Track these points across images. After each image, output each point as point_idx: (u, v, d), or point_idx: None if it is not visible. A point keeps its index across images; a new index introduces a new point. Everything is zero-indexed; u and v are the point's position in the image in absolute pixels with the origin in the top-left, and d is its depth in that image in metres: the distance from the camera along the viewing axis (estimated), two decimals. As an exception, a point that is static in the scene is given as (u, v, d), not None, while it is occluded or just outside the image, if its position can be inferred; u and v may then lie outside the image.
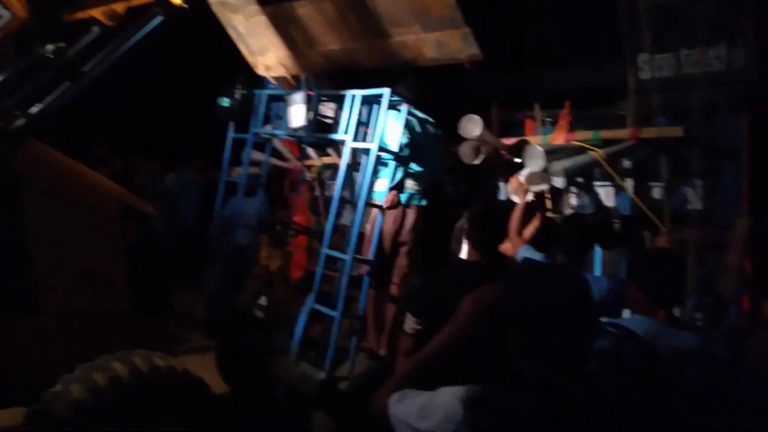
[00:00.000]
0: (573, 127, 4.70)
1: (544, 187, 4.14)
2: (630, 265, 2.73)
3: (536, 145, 4.53)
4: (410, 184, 4.66)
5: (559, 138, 4.67)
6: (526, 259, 3.38)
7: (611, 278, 3.50)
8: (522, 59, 4.80)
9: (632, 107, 4.32)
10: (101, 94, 4.30)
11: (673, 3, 3.91)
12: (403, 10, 4.44)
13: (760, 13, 3.75)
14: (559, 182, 4.31)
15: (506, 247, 3.71)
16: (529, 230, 3.83)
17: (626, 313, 2.68)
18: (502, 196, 5.07)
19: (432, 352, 1.67)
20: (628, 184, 4.57)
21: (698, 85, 3.89)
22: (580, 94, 4.64)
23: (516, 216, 3.86)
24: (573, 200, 4.84)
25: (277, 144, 6.20)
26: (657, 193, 4.46)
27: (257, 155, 5.64)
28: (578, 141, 4.46)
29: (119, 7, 3.74)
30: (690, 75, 4.01)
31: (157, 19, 3.75)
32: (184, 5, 3.63)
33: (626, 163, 4.47)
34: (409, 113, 4.43)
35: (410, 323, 2.78)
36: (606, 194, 4.79)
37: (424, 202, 4.74)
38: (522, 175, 4.11)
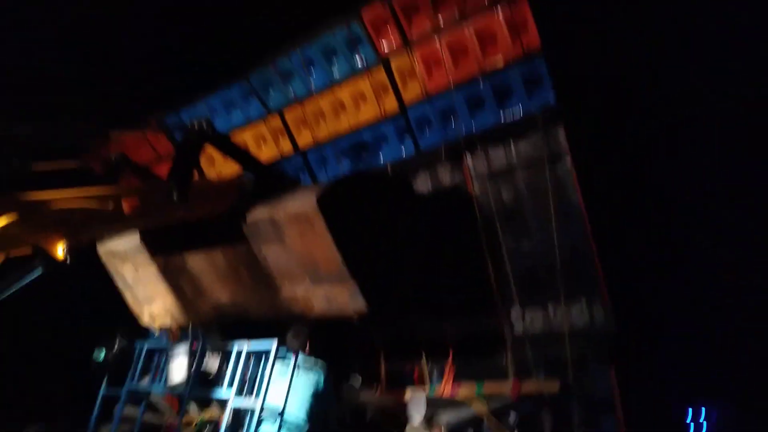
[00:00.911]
0: (458, 377, 4.80)
1: None
2: None
3: (420, 394, 4.58)
4: None
5: (446, 389, 4.73)
6: None
7: None
8: (406, 312, 5.01)
9: (510, 360, 4.54)
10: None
11: (534, 265, 4.37)
12: (293, 265, 4.64)
13: (609, 273, 4.25)
14: None
15: None
16: None
17: None
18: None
19: None
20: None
21: (566, 339, 4.20)
22: (463, 345, 4.84)
23: None
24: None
25: (154, 397, 5.77)
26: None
27: (131, 411, 5.18)
28: (462, 396, 4.54)
29: (-4, 257, 3.64)
30: (558, 329, 4.33)
31: (36, 273, 3.66)
32: (67, 261, 3.58)
33: (512, 417, 4.53)
34: (300, 364, 4.37)
35: None
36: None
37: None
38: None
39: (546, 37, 4.00)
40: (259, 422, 4.08)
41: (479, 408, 4.40)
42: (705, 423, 9.89)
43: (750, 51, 4.96)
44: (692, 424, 9.97)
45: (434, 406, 4.30)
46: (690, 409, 9.93)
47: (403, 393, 4.91)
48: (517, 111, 4.27)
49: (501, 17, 4.01)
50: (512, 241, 4.49)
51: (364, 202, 4.46)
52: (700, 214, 5.96)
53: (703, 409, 9.99)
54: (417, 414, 4.40)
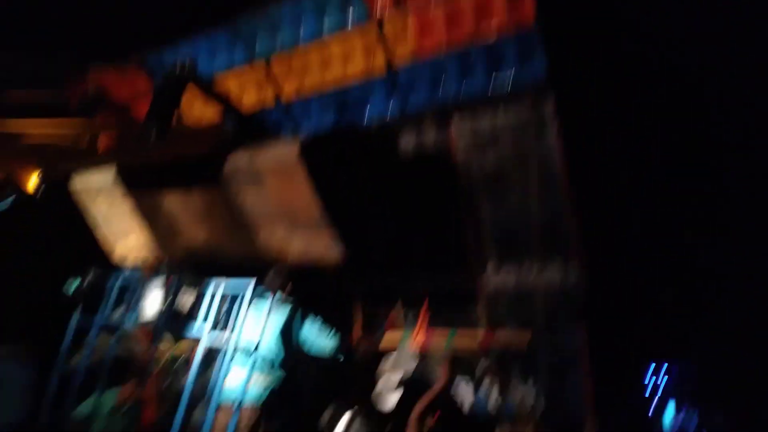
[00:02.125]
0: (432, 324, 4.88)
1: None
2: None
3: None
4: (265, 378, 4.38)
5: (419, 336, 4.81)
6: None
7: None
8: (382, 262, 5.03)
9: (483, 313, 4.62)
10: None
11: (512, 226, 4.40)
12: (271, 211, 4.60)
13: (585, 236, 4.31)
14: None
15: None
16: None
17: None
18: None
19: None
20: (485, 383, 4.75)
21: (538, 296, 4.27)
22: (437, 297, 4.90)
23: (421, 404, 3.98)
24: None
25: (127, 331, 5.77)
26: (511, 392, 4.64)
27: (103, 342, 5.18)
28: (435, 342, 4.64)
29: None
30: (531, 286, 4.40)
31: (7, 202, 3.57)
32: (38, 195, 3.49)
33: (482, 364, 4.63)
34: (277, 303, 4.38)
35: None
36: (465, 394, 4.90)
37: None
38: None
39: (541, 8, 3.98)
40: (233, 358, 4.10)
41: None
42: (665, 377, 10.31)
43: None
44: (653, 378, 10.40)
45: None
46: (652, 365, 10.35)
47: (378, 339, 4.99)
48: (506, 80, 4.27)
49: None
50: (492, 203, 4.50)
51: (346, 155, 4.41)
52: (673, 186, 6.06)
53: (665, 365, 10.41)
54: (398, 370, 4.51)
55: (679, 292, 7.67)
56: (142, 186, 5.11)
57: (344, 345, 5.11)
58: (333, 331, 4.60)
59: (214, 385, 4.20)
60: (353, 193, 4.47)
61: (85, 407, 4.78)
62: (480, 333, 4.61)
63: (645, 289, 7.16)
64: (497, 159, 4.32)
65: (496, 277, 4.51)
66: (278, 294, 4.42)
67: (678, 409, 9.97)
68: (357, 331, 5.23)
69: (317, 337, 4.53)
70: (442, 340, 4.73)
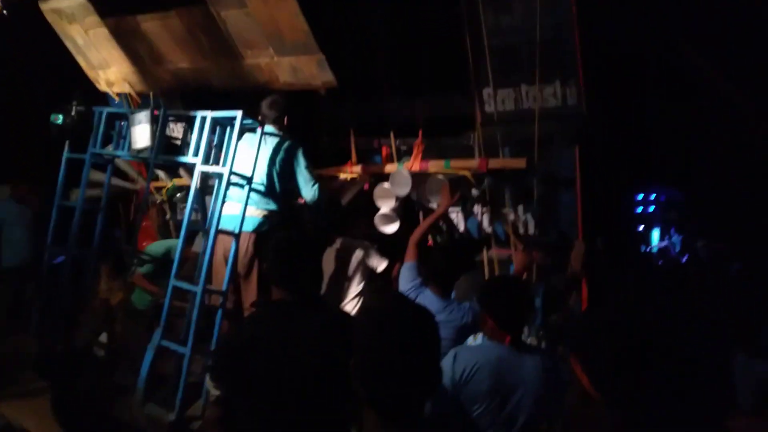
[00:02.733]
0: (426, 155, 4.85)
1: None
2: (479, 292, 2.82)
3: (402, 170, 4.66)
4: (260, 211, 4.36)
5: (414, 165, 4.80)
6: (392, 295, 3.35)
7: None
8: (376, 88, 4.87)
9: (479, 138, 4.57)
10: None
11: (514, 43, 4.18)
12: (257, 33, 4.33)
13: (587, 56, 4.13)
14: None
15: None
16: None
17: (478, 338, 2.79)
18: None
19: None
20: (477, 210, 4.84)
21: (535, 119, 4.19)
22: (432, 125, 4.81)
23: (426, 223, 4.03)
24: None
25: (121, 164, 5.75)
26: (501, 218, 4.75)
27: (98, 176, 5.18)
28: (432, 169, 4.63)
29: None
30: (529, 109, 4.30)
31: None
32: (3, 11, 3.23)
33: (473, 191, 4.68)
34: (269, 135, 4.29)
35: (212, 389, 2.28)
36: (457, 219, 5.02)
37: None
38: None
39: None
40: (227, 189, 4.10)
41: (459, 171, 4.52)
42: (654, 205, 10.63)
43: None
44: (640, 206, 10.72)
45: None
46: (641, 194, 10.61)
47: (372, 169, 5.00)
48: None
49: None
50: (493, 17, 4.22)
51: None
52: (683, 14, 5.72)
53: (653, 193, 10.68)
54: (401, 189, 4.55)
55: (672, 121, 7.62)
56: (115, 9, 4.77)
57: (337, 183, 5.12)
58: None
59: (212, 215, 4.25)
60: (343, 8, 4.19)
61: None
62: (475, 161, 4.59)
63: (639, 115, 7.10)
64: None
65: (493, 101, 4.39)
66: (269, 126, 4.30)
67: (662, 236, 10.42)
68: (352, 163, 5.21)
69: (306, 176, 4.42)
70: (437, 169, 4.72)
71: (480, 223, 4.86)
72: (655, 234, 10.45)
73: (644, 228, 10.39)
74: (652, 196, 10.43)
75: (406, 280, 3.64)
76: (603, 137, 5.09)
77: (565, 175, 4.44)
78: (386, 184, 4.83)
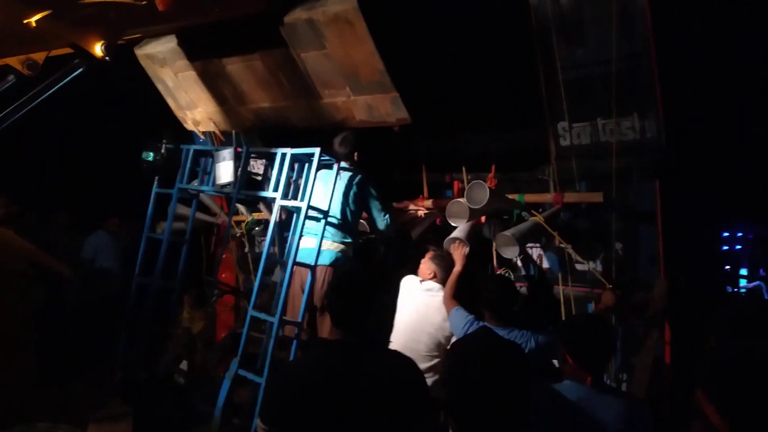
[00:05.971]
0: (499, 190, 4.82)
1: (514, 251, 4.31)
2: (560, 331, 2.75)
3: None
4: (336, 245, 4.46)
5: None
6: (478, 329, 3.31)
7: (544, 333, 3.53)
8: (448, 124, 4.92)
9: (554, 172, 4.51)
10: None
11: (589, 76, 4.13)
12: (334, 73, 4.51)
13: (667, 86, 4.03)
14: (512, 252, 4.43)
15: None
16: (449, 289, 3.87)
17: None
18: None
19: None
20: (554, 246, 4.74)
21: (613, 153, 4.10)
22: (505, 159, 4.80)
23: (452, 280, 3.94)
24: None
25: (205, 199, 6.05)
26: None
27: (183, 210, 5.47)
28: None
29: (38, 57, 3.61)
30: (606, 143, 4.21)
31: (78, 70, 3.64)
32: (107, 57, 3.52)
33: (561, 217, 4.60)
34: (343, 170, 4.41)
35: (260, 430, 2.18)
36: (535, 256, 4.94)
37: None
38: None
39: None
40: (303, 224, 4.23)
41: (536, 218, 4.48)
42: (741, 243, 10.03)
43: None
44: (727, 242, 10.14)
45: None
46: (727, 230, 10.05)
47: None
48: None
49: None
50: (567, 50, 4.19)
51: (409, 5, 4.16)
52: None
53: (741, 230, 10.09)
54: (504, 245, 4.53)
55: (762, 152, 7.23)
56: (203, 53, 5.08)
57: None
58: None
59: (289, 249, 4.38)
60: (417, 47, 4.28)
61: None
62: (549, 195, 4.52)
63: (724, 149, 6.78)
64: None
65: (569, 135, 4.33)
66: (343, 162, 4.43)
67: (750, 276, 9.82)
68: (424, 197, 5.26)
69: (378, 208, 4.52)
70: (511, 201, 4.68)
71: (560, 259, 4.76)
72: (743, 273, 9.86)
73: (730, 267, 9.82)
74: (739, 234, 9.88)
75: (460, 321, 3.61)
76: (685, 170, 4.89)
77: (645, 210, 4.30)
78: (462, 199, 4.75)
